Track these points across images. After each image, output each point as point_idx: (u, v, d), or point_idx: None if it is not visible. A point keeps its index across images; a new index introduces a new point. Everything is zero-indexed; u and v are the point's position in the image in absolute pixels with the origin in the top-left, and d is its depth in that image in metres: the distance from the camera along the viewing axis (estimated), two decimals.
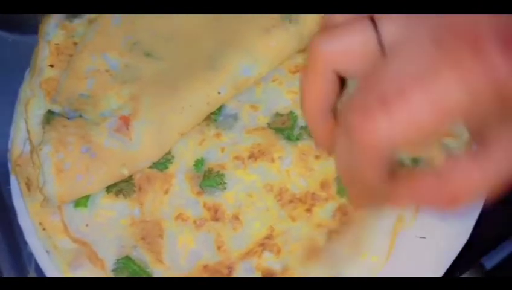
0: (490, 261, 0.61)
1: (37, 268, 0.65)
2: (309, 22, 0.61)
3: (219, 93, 0.59)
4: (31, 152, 0.60)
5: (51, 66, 0.62)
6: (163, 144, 0.59)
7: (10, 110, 0.66)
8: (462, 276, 0.57)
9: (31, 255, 0.64)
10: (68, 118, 0.59)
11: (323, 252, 0.55)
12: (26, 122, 0.61)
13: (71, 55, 0.62)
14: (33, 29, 0.67)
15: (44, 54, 0.63)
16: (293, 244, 0.56)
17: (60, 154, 0.56)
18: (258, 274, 0.56)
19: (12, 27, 0.75)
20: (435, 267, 0.54)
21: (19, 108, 0.63)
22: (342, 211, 0.56)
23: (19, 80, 0.66)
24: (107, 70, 0.61)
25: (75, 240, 0.58)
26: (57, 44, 0.64)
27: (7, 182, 0.63)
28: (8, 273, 0.66)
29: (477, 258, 0.61)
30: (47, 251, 0.59)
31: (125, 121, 0.58)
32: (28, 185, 0.60)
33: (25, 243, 0.64)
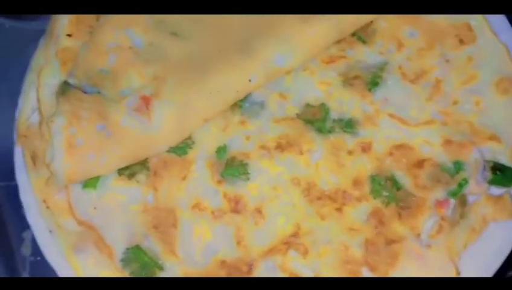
0: None
1: (31, 271, 0.60)
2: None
3: (250, 81, 0.55)
4: (40, 123, 0.55)
5: (69, 35, 0.58)
6: (185, 128, 0.55)
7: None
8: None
9: (24, 258, 0.60)
10: (85, 92, 0.54)
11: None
12: (38, 91, 0.56)
13: (91, 26, 0.58)
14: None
15: (62, 21, 0.59)
16: (323, 247, 0.52)
17: (73, 129, 0.52)
18: (283, 275, 0.51)
19: None
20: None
21: (30, 77, 0.58)
22: (377, 218, 0.52)
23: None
24: (130, 47, 0.57)
25: (80, 223, 0.54)
26: None
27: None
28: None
29: None
30: (50, 231, 0.54)
31: (146, 101, 0.54)
32: (34, 159, 0.56)
33: (18, 245, 0.60)
